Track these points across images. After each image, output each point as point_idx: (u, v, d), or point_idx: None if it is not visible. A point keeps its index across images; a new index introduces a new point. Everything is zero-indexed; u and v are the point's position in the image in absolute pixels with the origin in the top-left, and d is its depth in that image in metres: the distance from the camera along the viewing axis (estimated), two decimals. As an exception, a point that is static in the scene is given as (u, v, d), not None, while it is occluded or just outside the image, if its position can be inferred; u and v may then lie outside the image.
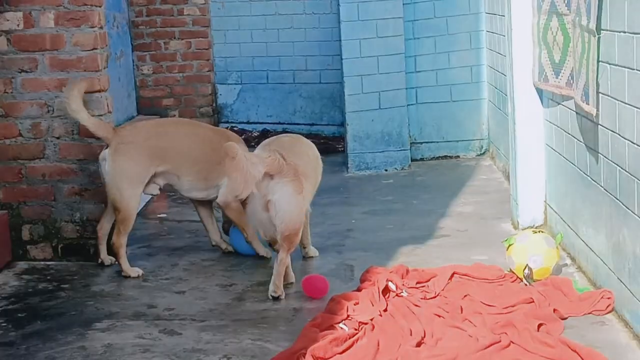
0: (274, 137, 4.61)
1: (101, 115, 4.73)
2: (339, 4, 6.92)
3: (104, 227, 4.69)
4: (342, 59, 6.93)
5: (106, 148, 4.54)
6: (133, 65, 8.56)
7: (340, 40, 6.95)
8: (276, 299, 4.12)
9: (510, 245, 4.25)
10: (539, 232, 4.31)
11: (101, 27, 4.78)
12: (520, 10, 4.92)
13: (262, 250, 4.76)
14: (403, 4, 6.92)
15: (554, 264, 4.17)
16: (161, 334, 3.76)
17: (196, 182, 4.72)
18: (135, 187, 4.55)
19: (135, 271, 4.56)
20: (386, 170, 6.95)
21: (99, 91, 4.73)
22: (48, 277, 4.59)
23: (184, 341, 3.67)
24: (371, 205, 5.94)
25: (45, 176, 4.79)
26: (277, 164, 4.08)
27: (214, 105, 8.75)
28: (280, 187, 4.10)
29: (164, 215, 5.88)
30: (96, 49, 4.71)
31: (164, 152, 4.61)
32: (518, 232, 4.49)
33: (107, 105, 4.81)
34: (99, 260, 4.72)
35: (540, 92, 4.93)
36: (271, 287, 4.15)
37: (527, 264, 4.11)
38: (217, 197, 4.75)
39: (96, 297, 4.27)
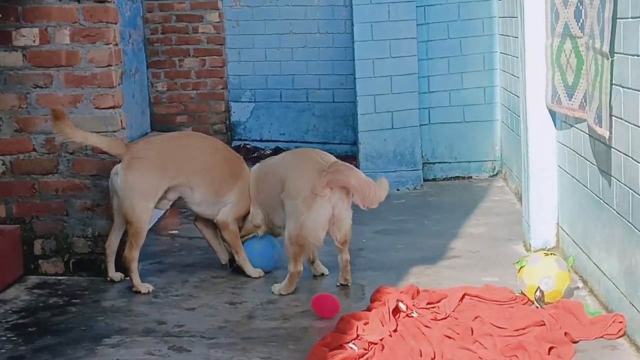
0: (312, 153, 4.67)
1: (115, 132, 4.76)
2: (353, 24, 6.95)
3: (112, 245, 4.70)
4: (355, 78, 6.95)
5: (119, 163, 4.56)
6: (147, 82, 8.61)
7: (353, 59, 6.98)
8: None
9: (521, 267, 4.23)
10: (551, 254, 4.29)
11: (116, 44, 4.82)
12: (533, 32, 4.93)
13: (256, 272, 4.78)
14: (417, 25, 6.94)
15: (566, 287, 4.15)
16: (170, 350, 3.76)
17: (208, 194, 4.72)
18: (147, 201, 4.56)
19: (145, 287, 4.57)
20: (398, 190, 6.95)
21: (113, 107, 4.76)
22: (59, 292, 4.60)
23: (193, 358, 3.67)
24: (383, 224, 5.93)
25: (58, 191, 4.82)
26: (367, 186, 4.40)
27: (227, 122, 8.79)
28: (343, 203, 4.45)
29: (176, 231, 5.89)
30: (111, 65, 4.74)
31: (176, 165, 4.62)
32: (530, 254, 4.47)
33: (121, 122, 4.84)
34: (108, 278, 4.72)
35: (553, 114, 4.93)
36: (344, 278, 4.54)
37: (538, 287, 4.09)
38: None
39: (106, 313, 4.27)
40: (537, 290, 4.08)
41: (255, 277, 4.76)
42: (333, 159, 4.59)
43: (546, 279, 4.10)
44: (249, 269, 4.78)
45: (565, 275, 4.14)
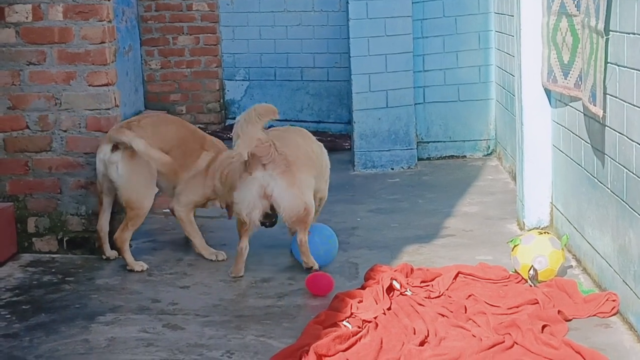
0: (272, 128, 4.65)
1: (108, 109, 4.74)
2: (347, 2, 6.91)
3: (103, 227, 4.70)
4: (350, 56, 6.92)
5: (111, 150, 4.51)
6: (141, 59, 8.57)
7: (348, 38, 6.94)
8: (310, 269, 4.38)
9: (515, 245, 4.24)
10: (545, 233, 4.29)
11: (110, 21, 4.78)
12: (529, 10, 4.90)
13: (211, 254, 4.77)
14: (412, 3, 6.90)
15: (559, 266, 4.16)
16: (165, 328, 3.77)
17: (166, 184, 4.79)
18: (151, 186, 4.61)
19: (139, 265, 4.57)
20: (392, 169, 6.94)
21: (107, 85, 4.74)
22: (53, 270, 4.60)
23: (187, 336, 3.67)
24: (377, 203, 5.93)
25: (52, 169, 4.80)
26: (267, 149, 4.27)
27: (222, 101, 8.76)
28: (276, 182, 4.31)
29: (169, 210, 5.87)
30: (104, 42, 4.71)
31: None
32: (524, 233, 4.48)
33: (115, 99, 4.82)
34: (104, 257, 4.72)
35: (548, 92, 4.92)
36: (305, 260, 4.42)
37: (532, 265, 4.10)
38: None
39: (100, 291, 4.28)
40: (530, 268, 4.10)
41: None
42: (312, 140, 4.68)
43: (540, 258, 4.11)
44: (206, 252, 4.79)
45: (559, 254, 4.15)
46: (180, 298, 4.15)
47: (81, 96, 4.73)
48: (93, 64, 4.71)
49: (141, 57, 8.57)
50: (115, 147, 4.51)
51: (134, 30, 8.36)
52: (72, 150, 4.79)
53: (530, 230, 4.80)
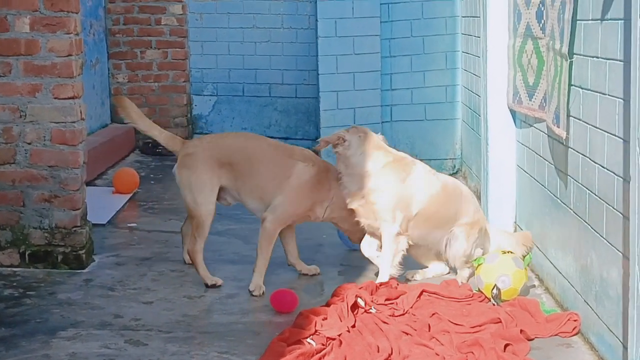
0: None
1: (74, 122, 4.70)
2: (317, 20, 6.95)
3: (185, 232, 4.80)
4: (318, 74, 6.96)
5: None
6: (108, 73, 8.52)
7: (317, 55, 6.98)
8: None
9: (479, 265, 4.27)
10: (508, 252, 4.33)
11: (77, 34, 4.75)
12: (496, 32, 4.97)
13: (255, 288, 4.46)
14: (380, 22, 6.96)
15: (522, 285, 4.19)
16: (127, 344, 3.73)
17: (255, 202, 4.58)
18: (206, 195, 4.52)
19: (212, 279, 4.53)
20: (359, 186, 6.95)
21: (73, 98, 4.70)
22: (14, 284, 4.53)
23: (149, 352, 3.64)
24: (343, 221, 5.93)
25: (15, 182, 4.74)
26: None
27: (189, 116, 8.73)
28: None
29: (134, 224, 5.84)
30: (71, 55, 4.68)
31: (221, 166, 4.54)
32: (487, 252, 4.51)
33: (81, 113, 4.78)
34: (184, 261, 4.83)
35: (513, 113, 4.98)
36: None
37: (495, 284, 4.13)
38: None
39: (62, 305, 4.23)
40: (494, 287, 4.12)
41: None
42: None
43: (503, 277, 4.14)
44: (255, 279, 4.45)
45: (522, 273, 4.19)
46: (143, 314, 4.11)
47: (46, 109, 4.69)
48: (59, 77, 4.68)
49: (108, 70, 8.52)
50: None
51: (101, 44, 8.31)
52: (36, 163, 4.74)
53: (494, 249, 4.82)
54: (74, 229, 4.75)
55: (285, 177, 4.52)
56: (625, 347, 3.12)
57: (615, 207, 3.30)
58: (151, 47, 8.55)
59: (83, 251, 4.77)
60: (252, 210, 4.66)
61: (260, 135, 5.02)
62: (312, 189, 4.54)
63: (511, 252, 4.33)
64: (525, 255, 4.42)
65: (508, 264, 4.18)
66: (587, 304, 3.68)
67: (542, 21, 4.26)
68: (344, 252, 5.16)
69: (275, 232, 4.53)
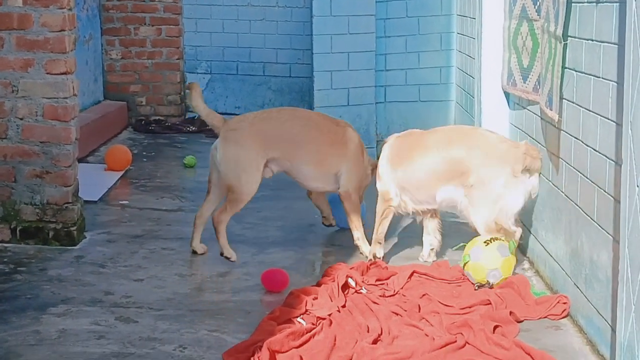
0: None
1: (66, 98, 4.68)
2: (312, -2, 6.92)
3: (203, 215, 4.66)
4: (312, 53, 6.93)
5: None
6: (101, 49, 8.47)
7: (311, 34, 6.95)
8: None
9: (465, 263, 4.16)
10: (491, 241, 4.16)
11: (70, 9, 4.72)
12: (491, 13, 4.95)
13: (370, 251, 4.59)
14: (376, 2, 6.93)
15: (513, 270, 4.16)
16: (117, 321, 3.73)
17: (310, 168, 4.64)
18: (251, 174, 4.51)
19: (229, 252, 4.55)
20: (352, 166, 6.95)
21: (65, 73, 4.67)
22: (5, 260, 4.53)
23: (139, 329, 3.65)
24: (335, 201, 5.93)
25: (7, 157, 4.72)
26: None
27: (182, 93, 8.69)
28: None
29: (126, 202, 5.83)
30: (64, 30, 4.65)
31: (270, 138, 4.56)
32: (469, 244, 4.27)
33: (73, 88, 4.76)
34: (191, 248, 4.67)
35: (507, 95, 4.97)
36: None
37: (487, 281, 4.08)
38: (334, 188, 4.72)
39: (53, 282, 4.22)
40: (486, 284, 4.08)
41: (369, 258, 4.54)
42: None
43: (493, 272, 4.07)
44: (365, 248, 4.66)
45: (510, 260, 4.11)
46: (134, 291, 4.12)
47: (39, 84, 4.67)
48: (52, 52, 4.65)
49: (102, 46, 8.47)
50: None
51: (94, 19, 8.26)
52: (28, 139, 4.72)
53: (475, 238, 4.43)
54: (66, 205, 4.74)
55: (342, 142, 4.66)
56: (613, 330, 3.14)
57: (606, 190, 3.31)
58: (145, 24, 8.50)
59: (74, 228, 4.77)
60: (304, 177, 4.67)
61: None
62: (363, 153, 4.77)
63: (494, 239, 4.15)
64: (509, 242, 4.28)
65: (494, 257, 4.07)
66: (577, 286, 3.69)
67: (538, 3, 4.25)
68: (336, 232, 5.16)
69: (358, 201, 4.70)
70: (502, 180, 4.20)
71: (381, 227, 4.55)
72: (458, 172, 4.27)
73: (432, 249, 4.62)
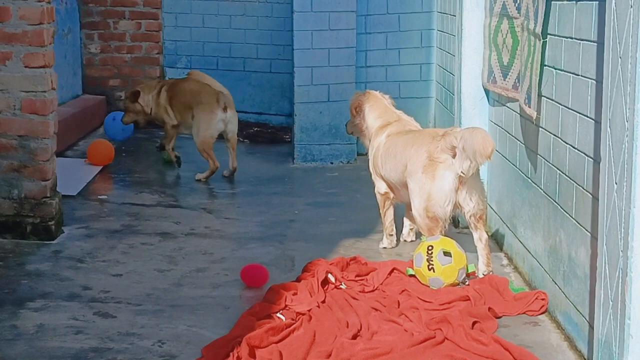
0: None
1: (44, 92, 4.64)
2: (292, -6, 6.89)
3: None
4: (293, 49, 6.91)
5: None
6: (80, 43, 8.41)
7: (292, 30, 6.93)
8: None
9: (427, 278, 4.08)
10: (427, 250, 4.07)
11: (49, 2, 4.68)
12: (471, 11, 4.97)
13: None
14: (357, -2, 6.93)
15: (458, 276, 4.06)
16: (95, 316, 3.71)
17: None
18: None
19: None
20: (332, 163, 6.97)
21: (44, 67, 4.64)
22: (-19, 254, 4.49)
23: (118, 324, 3.63)
24: (315, 197, 5.94)
25: (-16, 151, 4.68)
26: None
27: (162, 88, 8.63)
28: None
29: (105, 196, 5.80)
30: (43, 23, 4.61)
31: None
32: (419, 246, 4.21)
33: (51, 82, 4.72)
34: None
35: (487, 93, 4.99)
36: (487, 267, 4.24)
37: (460, 282, 4.09)
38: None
39: (31, 276, 4.19)
40: (461, 283, 4.09)
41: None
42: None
43: (434, 279, 4.04)
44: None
45: (452, 268, 4.04)
46: (112, 286, 4.10)
47: (17, 77, 4.63)
48: (30, 45, 4.61)
49: (80, 40, 8.41)
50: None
51: (73, 13, 8.19)
52: (5, 132, 4.68)
53: (422, 243, 4.23)
54: (44, 199, 4.71)
55: None
56: (591, 326, 3.16)
57: (585, 188, 3.33)
58: (124, 18, 8.45)
59: (52, 222, 4.73)
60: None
61: None
62: None
63: (428, 249, 4.07)
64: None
65: (436, 265, 4.03)
66: (555, 283, 3.72)
67: (518, 1, 4.26)
68: (315, 227, 5.17)
69: None
70: (421, 168, 4.26)
71: (384, 219, 4.76)
72: (403, 166, 4.43)
73: (411, 229, 4.81)
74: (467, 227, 4.40)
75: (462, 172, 4.12)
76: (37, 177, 4.69)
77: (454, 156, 4.14)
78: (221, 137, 6.35)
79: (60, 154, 5.94)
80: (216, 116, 6.25)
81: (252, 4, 8.29)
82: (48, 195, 4.71)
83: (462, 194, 4.19)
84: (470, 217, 4.24)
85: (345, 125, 5.14)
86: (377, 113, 4.84)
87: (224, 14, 8.39)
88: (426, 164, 4.23)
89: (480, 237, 4.26)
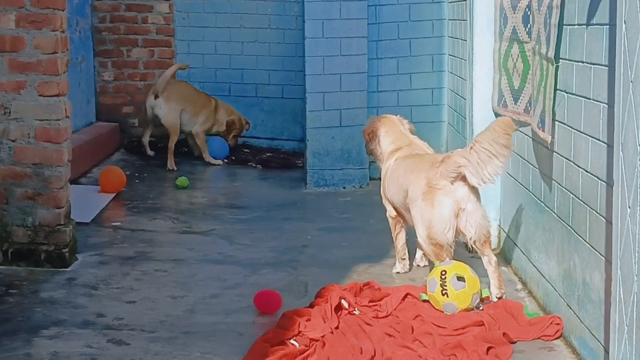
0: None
1: (58, 120, 4.68)
2: (304, 21, 6.94)
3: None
4: (305, 75, 6.95)
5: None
6: (94, 71, 8.48)
7: (304, 56, 6.97)
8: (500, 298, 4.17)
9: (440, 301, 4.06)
10: (441, 275, 4.05)
11: (63, 31, 4.73)
12: (482, 35, 4.99)
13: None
14: (368, 24, 6.96)
15: (472, 301, 4.05)
16: (109, 343, 3.71)
17: None
18: None
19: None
20: (344, 187, 6.97)
21: (58, 95, 4.68)
22: (-4, 282, 4.51)
23: (132, 352, 3.63)
24: (328, 222, 5.94)
25: (-1, 179, 4.72)
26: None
27: (175, 115, 8.68)
28: (470, 196, 4.18)
29: (118, 223, 5.82)
30: (57, 52, 4.66)
31: None
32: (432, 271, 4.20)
33: (65, 110, 4.76)
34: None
35: (498, 117, 4.98)
36: (499, 290, 4.17)
37: (474, 307, 4.07)
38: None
39: (45, 304, 4.20)
40: (475, 308, 4.07)
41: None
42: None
43: (475, 295, 4.04)
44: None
45: (466, 292, 4.03)
46: (126, 313, 4.10)
47: (31, 106, 4.67)
48: (44, 74, 4.66)
49: (94, 68, 8.48)
50: None
51: (87, 41, 8.28)
52: (20, 161, 4.71)
53: (433, 270, 4.26)
54: (58, 227, 4.73)
55: None
56: (607, 351, 3.13)
57: (598, 212, 3.32)
58: (137, 46, 8.52)
59: (66, 249, 4.75)
60: None
61: None
62: None
63: (442, 274, 4.05)
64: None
65: (450, 289, 4.02)
66: (570, 307, 3.70)
67: (529, 25, 4.28)
68: (328, 253, 5.16)
69: None
70: (421, 195, 4.26)
71: (396, 242, 4.77)
72: (404, 192, 4.43)
73: (424, 254, 4.76)
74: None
75: (479, 182, 4.12)
76: (51, 205, 4.71)
77: (453, 182, 4.15)
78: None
79: (74, 181, 5.97)
80: (147, 101, 7.59)
81: (263, 31, 8.35)
82: (62, 222, 4.74)
83: (462, 220, 4.18)
84: (474, 242, 4.23)
85: (365, 147, 5.13)
86: (392, 139, 4.82)
87: (236, 40, 8.46)
88: (425, 191, 4.23)
89: (489, 261, 4.24)
